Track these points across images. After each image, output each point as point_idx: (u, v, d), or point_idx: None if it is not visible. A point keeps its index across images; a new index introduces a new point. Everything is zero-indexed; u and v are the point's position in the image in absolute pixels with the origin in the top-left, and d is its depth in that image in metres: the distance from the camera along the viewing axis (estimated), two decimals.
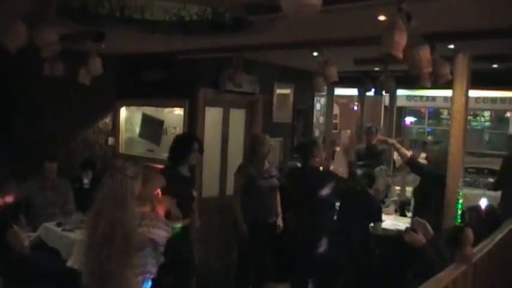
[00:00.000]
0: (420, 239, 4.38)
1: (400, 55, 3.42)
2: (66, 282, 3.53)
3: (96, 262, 3.34)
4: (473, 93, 6.36)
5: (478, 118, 27.07)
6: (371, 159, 8.05)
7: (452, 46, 5.36)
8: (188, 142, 5.82)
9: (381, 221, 6.38)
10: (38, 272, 5.36)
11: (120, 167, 3.60)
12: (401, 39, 3.36)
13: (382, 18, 4.31)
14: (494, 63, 7.18)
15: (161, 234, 3.67)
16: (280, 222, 6.59)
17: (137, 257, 3.48)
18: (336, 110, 21.92)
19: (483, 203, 6.40)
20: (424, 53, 3.74)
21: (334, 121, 18.84)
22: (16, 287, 5.13)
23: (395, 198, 7.81)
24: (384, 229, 6.66)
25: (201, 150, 6.01)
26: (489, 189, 7.40)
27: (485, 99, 22.70)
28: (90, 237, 3.46)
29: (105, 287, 3.36)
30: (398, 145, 6.63)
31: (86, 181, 7.01)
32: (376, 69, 7.96)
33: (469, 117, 24.88)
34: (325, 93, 10.16)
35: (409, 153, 6.17)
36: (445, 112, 25.20)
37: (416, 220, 4.57)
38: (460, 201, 5.66)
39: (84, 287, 3.46)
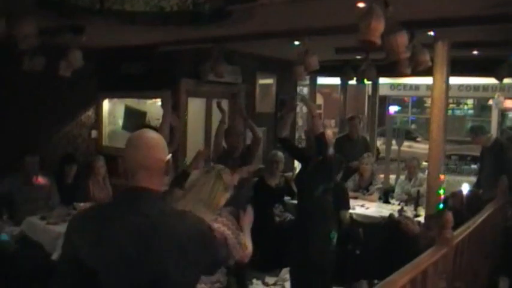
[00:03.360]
0: (416, 228, 4.73)
1: (378, 41, 3.44)
2: (51, 276, 3.51)
3: None
4: (456, 80, 6.43)
5: (461, 106, 27.25)
6: (352, 149, 8.12)
7: (432, 33, 5.39)
8: None
9: (347, 209, 6.40)
10: (21, 266, 5.33)
11: (220, 169, 3.45)
12: (378, 26, 3.39)
13: (361, 5, 4.32)
14: (474, 50, 7.23)
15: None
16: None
17: None
18: (320, 100, 22.05)
19: (465, 188, 6.50)
20: (401, 38, 3.76)
21: (319, 111, 18.90)
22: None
23: (380, 185, 7.87)
24: (369, 216, 6.73)
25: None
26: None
27: (467, 87, 22.86)
28: None
29: None
30: (315, 113, 5.65)
31: (69, 175, 6.96)
32: (358, 57, 7.98)
33: (452, 105, 25.09)
34: (307, 82, 10.18)
35: (322, 128, 5.16)
36: (429, 101, 25.22)
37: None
38: (443, 187, 5.70)
39: None
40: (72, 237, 2.13)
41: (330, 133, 5.73)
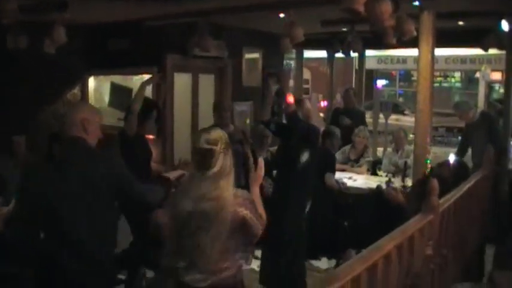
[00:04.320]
0: (399, 197, 4.90)
1: (361, 9, 3.44)
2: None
3: None
4: (443, 52, 6.40)
5: (448, 79, 27.28)
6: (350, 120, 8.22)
7: (417, 3, 5.37)
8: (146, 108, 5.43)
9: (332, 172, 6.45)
10: (13, 247, 5.32)
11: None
12: None
13: None
14: (459, 21, 7.23)
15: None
16: None
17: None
18: (307, 74, 22.01)
19: (451, 158, 6.54)
20: (385, 6, 3.76)
21: (306, 86, 18.89)
22: None
23: (370, 158, 7.91)
24: (357, 188, 6.77)
25: (158, 121, 5.76)
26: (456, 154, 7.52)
27: (455, 60, 22.88)
28: None
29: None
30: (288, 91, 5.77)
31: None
32: (344, 30, 7.97)
33: (439, 78, 25.15)
34: (294, 56, 10.16)
35: (294, 106, 5.23)
36: (416, 74, 25.34)
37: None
38: (429, 157, 5.73)
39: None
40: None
41: (309, 105, 5.75)
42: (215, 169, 3.01)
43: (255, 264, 5.78)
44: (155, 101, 6.74)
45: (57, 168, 3.24)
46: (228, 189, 3.03)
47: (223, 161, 3.07)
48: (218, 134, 3.15)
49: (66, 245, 3.12)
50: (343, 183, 6.73)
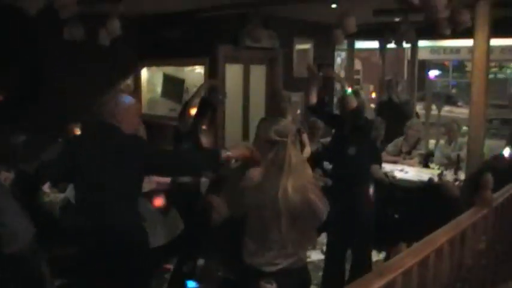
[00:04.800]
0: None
1: (416, 0, 3.39)
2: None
3: None
4: (498, 42, 6.24)
5: (503, 70, 26.59)
6: (392, 112, 8.05)
7: None
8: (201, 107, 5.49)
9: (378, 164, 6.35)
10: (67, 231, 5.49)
11: None
12: None
13: None
14: None
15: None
16: None
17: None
18: (359, 65, 21.80)
19: (506, 151, 6.39)
20: None
21: (357, 76, 18.72)
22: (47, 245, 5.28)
23: (422, 151, 7.78)
24: (408, 180, 6.69)
25: (213, 122, 5.87)
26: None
27: (511, 50, 22.26)
28: None
29: None
30: (340, 78, 5.67)
31: None
32: (396, 20, 7.86)
33: (494, 69, 24.49)
34: (345, 47, 10.08)
35: (356, 103, 4.90)
36: (470, 65, 24.78)
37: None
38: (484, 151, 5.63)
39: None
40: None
41: (364, 96, 5.62)
42: (291, 162, 3.03)
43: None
44: (211, 101, 6.77)
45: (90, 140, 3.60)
46: (303, 178, 3.06)
47: (295, 152, 3.10)
48: (288, 125, 3.18)
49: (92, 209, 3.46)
50: (393, 176, 6.66)
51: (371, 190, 5.22)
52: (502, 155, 6.13)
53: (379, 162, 6.45)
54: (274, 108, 6.32)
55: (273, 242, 3.06)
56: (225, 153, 3.34)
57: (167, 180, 5.32)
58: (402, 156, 7.55)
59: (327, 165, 7.23)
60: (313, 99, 5.34)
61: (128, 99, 3.63)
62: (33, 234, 3.93)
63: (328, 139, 8.56)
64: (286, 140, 3.06)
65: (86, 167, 3.43)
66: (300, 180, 3.03)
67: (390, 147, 7.51)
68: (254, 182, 3.18)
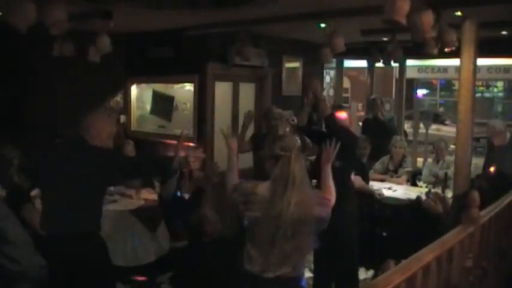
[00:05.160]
0: (439, 208, 4.96)
1: (403, 21, 3.44)
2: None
3: None
4: (485, 62, 6.31)
5: (490, 89, 26.80)
6: (377, 130, 8.09)
7: (459, 13, 5.33)
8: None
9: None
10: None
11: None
12: (404, 5, 3.38)
13: None
14: (502, 30, 7.13)
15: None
16: None
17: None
18: (347, 83, 21.94)
19: (492, 169, 6.44)
20: (427, 17, 3.76)
21: (346, 95, 18.79)
22: None
23: (410, 169, 7.82)
24: (396, 198, 6.71)
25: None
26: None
27: (497, 69, 22.46)
28: None
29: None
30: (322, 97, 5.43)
31: None
32: (384, 39, 7.94)
33: (481, 88, 24.60)
34: (334, 65, 10.16)
35: (329, 110, 5.02)
36: (457, 83, 24.91)
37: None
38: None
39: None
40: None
41: (345, 114, 5.65)
42: (295, 177, 3.13)
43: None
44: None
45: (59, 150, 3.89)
46: (309, 193, 3.20)
47: (299, 166, 3.19)
48: (292, 140, 3.32)
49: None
50: (380, 194, 6.68)
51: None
52: (488, 173, 6.19)
53: (366, 178, 6.46)
54: (265, 126, 6.32)
55: (275, 251, 3.13)
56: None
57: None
58: (389, 174, 7.59)
59: (315, 183, 7.25)
60: (305, 119, 5.37)
61: (102, 115, 4.08)
62: (44, 270, 3.54)
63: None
64: (289, 154, 3.16)
65: (45, 177, 3.70)
66: (303, 194, 3.13)
67: (377, 165, 7.56)
68: (234, 152, 3.54)
